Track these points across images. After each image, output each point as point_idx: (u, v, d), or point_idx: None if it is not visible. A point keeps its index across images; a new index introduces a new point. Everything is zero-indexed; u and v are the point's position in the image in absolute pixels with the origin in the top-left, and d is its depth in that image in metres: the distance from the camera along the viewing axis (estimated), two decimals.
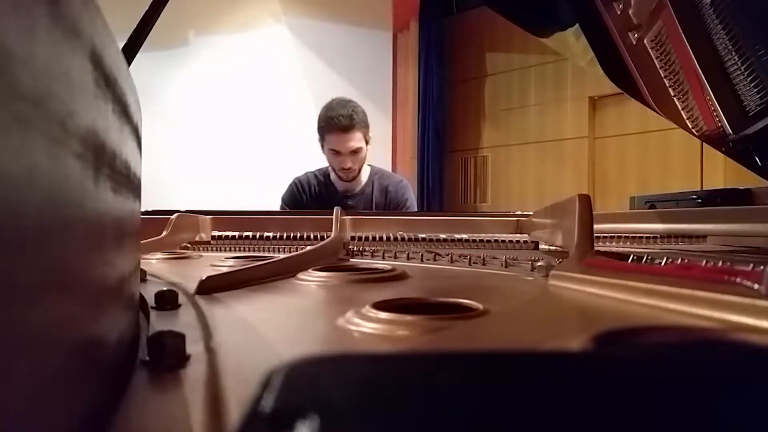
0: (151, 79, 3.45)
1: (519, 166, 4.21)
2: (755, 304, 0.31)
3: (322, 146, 2.03)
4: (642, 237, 1.22)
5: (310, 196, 2.08)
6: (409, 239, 1.20)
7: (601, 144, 3.87)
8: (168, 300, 0.46)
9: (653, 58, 0.99)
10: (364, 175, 2.08)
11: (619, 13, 0.96)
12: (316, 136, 2.04)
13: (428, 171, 4.41)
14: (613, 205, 3.50)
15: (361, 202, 2.06)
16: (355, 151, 1.97)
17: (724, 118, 0.97)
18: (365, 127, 1.99)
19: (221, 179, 3.71)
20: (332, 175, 2.08)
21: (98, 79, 0.23)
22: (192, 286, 0.53)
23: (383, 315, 0.37)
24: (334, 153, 1.98)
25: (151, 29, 0.71)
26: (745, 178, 1.45)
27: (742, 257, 0.85)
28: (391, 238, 1.20)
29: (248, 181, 3.67)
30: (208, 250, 1.17)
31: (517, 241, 1.19)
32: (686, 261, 0.51)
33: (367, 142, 2.01)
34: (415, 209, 2.20)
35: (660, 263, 0.52)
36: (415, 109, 4.44)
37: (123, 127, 0.30)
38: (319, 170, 2.13)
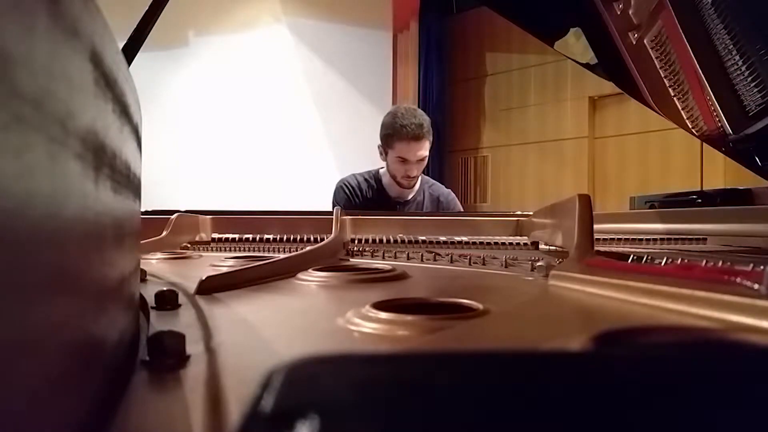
0: (151, 79, 3.45)
1: (519, 166, 4.21)
2: (755, 304, 0.31)
3: (385, 152, 1.99)
4: (642, 237, 1.22)
5: (362, 200, 2.04)
6: (409, 242, 1.20)
7: (601, 144, 3.87)
8: (168, 300, 0.46)
9: (653, 58, 0.99)
10: (417, 183, 2.06)
11: (619, 13, 0.96)
12: (378, 142, 2.00)
13: (428, 171, 4.40)
14: (613, 205, 3.50)
15: (412, 210, 2.04)
16: (422, 160, 1.96)
17: (724, 118, 0.97)
18: (431, 135, 1.98)
19: (221, 179, 3.70)
20: (385, 180, 2.04)
21: (98, 79, 0.23)
22: (192, 286, 0.53)
23: (383, 315, 0.37)
24: (401, 161, 1.94)
25: (151, 29, 0.71)
26: (745, 178, 1.45)
27: (742, 257, 0.85)
28: (391, 240, 1.20)
29: (248, 181, 3.68)
30: (208, 250, 1.17)
31: (517, 244, 1.19)
32: (686, 261, 0.51)
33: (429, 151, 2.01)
34: None
35: (660, 263, 0.52)
36: None
37: (123, 127, 0.30)
38: (367, 173, 2.09)
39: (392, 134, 1.94)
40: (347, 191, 2.06)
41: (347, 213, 1.33)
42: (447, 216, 1.65)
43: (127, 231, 0.33)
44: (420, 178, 2.09)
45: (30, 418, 0.15)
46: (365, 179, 2.08)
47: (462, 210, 2.18)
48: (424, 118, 1.96)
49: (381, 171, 2.06)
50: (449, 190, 2.20)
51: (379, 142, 2.01)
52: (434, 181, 2.22)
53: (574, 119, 3.92)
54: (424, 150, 1.95)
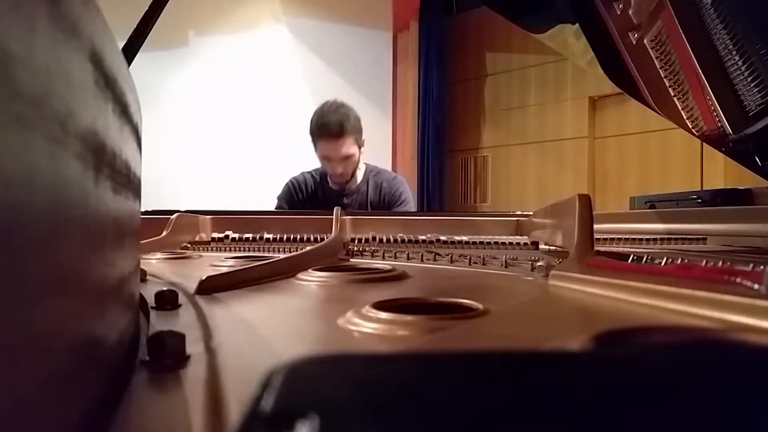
0: (151, 79, 3.45)
1: (519, 166, 4.21)
2: (755, 304, 0.31)
3: (315, 150, 2.03)
4: (642, 237, 1.22)
5: (306, 195, 2.09)
6: (409, 241, 1.20)
7: (601, 144, 3.87)
8: (168, 300, 0.46)
9: (653, 58, 0.99)
10: (360, 175, 2.08)
11: (619, 13, 0.96)
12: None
13: (428, 171, 4.41)
14: (613, 205, 3.50)
15: (357, 201, 2.06)
16: (347, 157, 1.95)
17: (724, 118, 0.97)
18: (357, 132, 1.96)
19: (221, 179, 3.70)
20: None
21: (98, 79, 0.23)
22: (192, 286, 0.53)
23: (383, 315, 0.37)
24: (325, 159, 1.98)
25: (151, 29, 0.71)
26: (745, 178, 1.45)
27: (742, 257, 0.85)
28: (391, 240, 1.20)
29: (248, 181, 3.67)
30: (208, 250, 1.17)
31: (518, 243, 1.19)
32: (686, 261, 0.51)
33: (359, 146, 1.99)
34: (412, 204, 2.17)
35: (660, 263, 0.52)
36: (415, 109, 4.44)
37: (123, 127, 0.30)
38: (315, 170, 2.13)
39: (314, 132, 1.96)
40: (291, 188, 2.11)
41: (347, 213, 1.33)
42: (447, 216, 1.65)
43: (127, 231, 0.33)
44: (364, 167, 2.10)
45: (30, 417, 0.15)
46: (311, 175, 2.12)
47: (409, 196, 2.15)
48: (348, 115, 1.95)
49: None
50: (396, 174, 2.20)
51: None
52: (381, 169, 2.22)
53: (574, 119, 3.91)
54: (347, 147, 1.93)
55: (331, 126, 1.91)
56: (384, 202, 2.07)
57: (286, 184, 2.14)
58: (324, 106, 2.01)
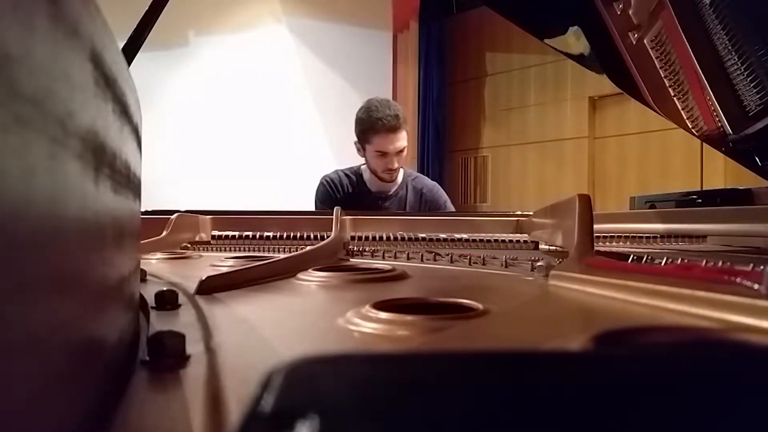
0: (151, 79, 3.45)
1: (519, 166, 4.21)
2: (755, 304, 0.31)
3: (363, 148, 1.95)
4: (642, 237, 1.21)
5: (343, 195, 2.00)
6: (410, 239, 1.20)
7: (601, 144, 3.87)
8: (168, 300, 0.46)
9: (653, 58, 0.99)
10: (399, 177, 2.02)
11: (619, 13, 0.96)
12: (353, 138, 1.97)
13: (428, 171, 4.41)
14: (613, 205, 3.50)
15: (395, 204, 2.00)
16: (401, 151, 1.92)
17: (724, 118, 0.97)
18: (406, 124, 1.94)
19: (221, 179, 3.70)
20: (366, 175, 2.00)
21: (98, 79, 0.23)
22: (192, 286, 0.53)
23: (383, 315, 0.37)
24: (380, 155, 1.90)
25: (151, 29, 0.71)
26: (745, 178, 1.45)
27: (742, 257, 0.85)
28: (392, 237, 1.20)
29: (248, 181, 3.67)
30: (208, 250, 1.17)
31: (517, 241, 1.19)
32: (686, 261, 0.51)
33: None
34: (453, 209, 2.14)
35: (660, 263, 0.52)
36: (415, 109, 4.44)
37: (123, 127, 0.30)
38: (349, 169, 2.05)
39: (368, 129, 1.90)
40: (327, 187, 2.03)
41: (345, 213, 1.33)
42: (447, 216, 1.66)
43: (127, 231, 0.33)
44: (402, 172, 2.05)
45: (30, 418, 0.15)
46: (346, 174, 2.04)
47: (451, 204, 2.12)
48: (398, 109, 1.93)
49: (362, 167, 2.03)
50: (435, 182, 2.15)
51: (355, 139, 1.98)
52: (418, 174, 2.18)
53: (574, 119, 3.92)
54: (402, 141, 1.91)
55: (389, 119, 1.86)
56: (426, 209, 2.01)
57: (321, 183, 2.04)
58: (371, 103, 1.95)
